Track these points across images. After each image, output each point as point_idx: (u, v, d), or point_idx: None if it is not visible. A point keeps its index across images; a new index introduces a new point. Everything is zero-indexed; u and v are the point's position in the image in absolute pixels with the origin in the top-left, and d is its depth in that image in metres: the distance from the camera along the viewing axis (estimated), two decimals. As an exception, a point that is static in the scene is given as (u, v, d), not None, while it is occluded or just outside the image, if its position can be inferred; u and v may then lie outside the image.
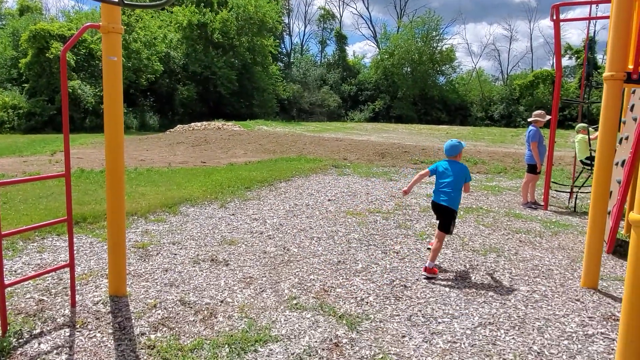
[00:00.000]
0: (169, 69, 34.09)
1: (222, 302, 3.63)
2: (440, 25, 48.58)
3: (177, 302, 3.59)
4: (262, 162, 12.10)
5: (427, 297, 3.80)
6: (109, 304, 3.50)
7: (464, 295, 3.87)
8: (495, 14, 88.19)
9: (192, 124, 26.14)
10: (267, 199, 7.43)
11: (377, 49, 54.65)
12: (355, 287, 3.99)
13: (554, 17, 6.93)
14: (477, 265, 4.62)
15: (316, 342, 3.06)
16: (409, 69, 48.46)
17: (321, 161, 12.23)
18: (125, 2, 2.14)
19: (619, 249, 5.20)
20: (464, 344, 3.09)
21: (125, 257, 3.64)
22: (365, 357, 2.90)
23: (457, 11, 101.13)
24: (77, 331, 3.10)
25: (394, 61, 47.83)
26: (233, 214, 6.40)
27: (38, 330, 3.09)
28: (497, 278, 4.28)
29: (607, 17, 4.95)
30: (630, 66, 3.96)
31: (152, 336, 3.08)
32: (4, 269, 3.25)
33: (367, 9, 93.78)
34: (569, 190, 7.86)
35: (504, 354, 2.97)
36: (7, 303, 3.16)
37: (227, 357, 2.86)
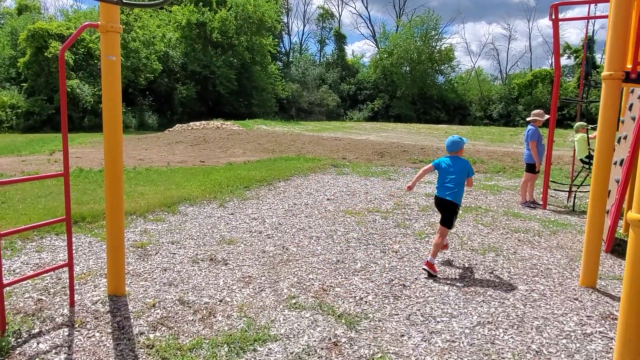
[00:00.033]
0: (167, 68, 34.08)
1: (221, 301, 3.63)
2: (439, 24, 48.76)
3: (176, 301, 3.59)
4: (261, 162, 12.10)
5: (426, 296, 3.81)
6: (107, 304, 3.50)
7: (462, 294, 3.88)
8: (494, 13, 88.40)
9: (191, 123, 26.11)
10: (266, 199, 7.43)
11: (376, 48, 54.71)
12: (354, 286, 3.99)
13: (553, 17, 6.94)
14: (476, 264, 4.62)
15: (315, 341, 3.06)
16: (407, 68, 48.51)
17: (320, 160, 12.22)
18: (124, 1, 2.13)
19: (618, 248, 5.21)
20: (462, 343, 3.09)
21: (124, 257, 3.64)
22: (364, 356, 2.90)
23: (456, 10, 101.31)
24: (76, 331, 3.10)
25: (393, 60, 47.87)
26: (232, 214, 6.39)
27: (37, 330, 3.09)
28: (496, 277, 4.29)
29: (606, 17, 4.95)
30: (629, 65, 3.97)
31: (151, 335, 3.08)
32: (3, 269, 3.25)
33: (366, 8, 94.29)
34: (568, 190, 7.88)
35: (502, 353, 2.98)
36: (5, 302, 3.16)
37: (226, 356, 2.86)
